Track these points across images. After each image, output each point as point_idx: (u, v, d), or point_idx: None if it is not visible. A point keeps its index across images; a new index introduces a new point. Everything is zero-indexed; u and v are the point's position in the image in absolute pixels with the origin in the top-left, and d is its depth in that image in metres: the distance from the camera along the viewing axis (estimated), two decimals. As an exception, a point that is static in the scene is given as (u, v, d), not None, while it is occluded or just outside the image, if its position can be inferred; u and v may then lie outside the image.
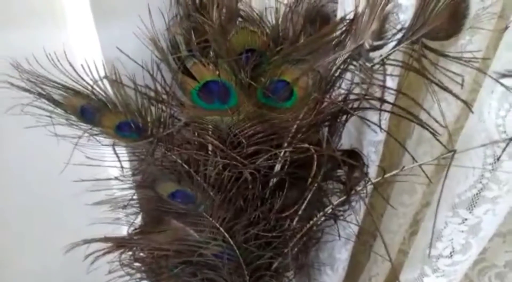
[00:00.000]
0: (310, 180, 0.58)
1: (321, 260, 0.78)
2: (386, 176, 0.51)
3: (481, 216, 0.45)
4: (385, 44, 0.40)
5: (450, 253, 0.50)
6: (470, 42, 0.44)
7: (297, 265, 0.68)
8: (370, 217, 0.65)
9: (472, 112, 0.41)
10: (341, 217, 0.61)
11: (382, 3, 0.37)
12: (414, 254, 0.54)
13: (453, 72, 0.44)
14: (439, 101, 0.47)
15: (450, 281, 0.53)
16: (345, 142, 0.63)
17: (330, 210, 0.63)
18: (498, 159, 0.41)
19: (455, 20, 0.44)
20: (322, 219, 0.64)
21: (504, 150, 0.40)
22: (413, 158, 0.48)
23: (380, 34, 0.39)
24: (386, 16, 0.38)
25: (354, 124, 0.63)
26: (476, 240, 0.48)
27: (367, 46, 0.39)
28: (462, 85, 0.42)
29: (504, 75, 0.38)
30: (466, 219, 0.46)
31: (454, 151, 0.42)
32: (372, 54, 0.46)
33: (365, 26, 0.40)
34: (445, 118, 0.46)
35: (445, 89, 0.44)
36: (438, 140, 0.45)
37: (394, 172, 0.51)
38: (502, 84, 0.37)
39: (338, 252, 0.73)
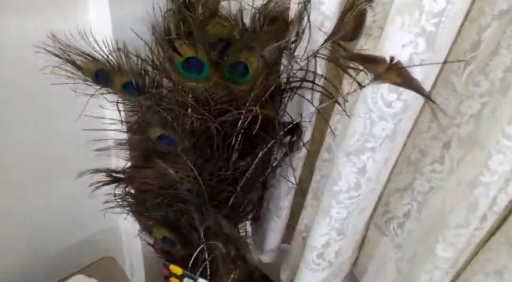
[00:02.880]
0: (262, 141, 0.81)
1: (270, 209, 1.00)
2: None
3: (365, 161, 0.68)
4: (298, 40, 0.61)
5: (347, 189, 0.72)
6: (365, 43, 0.66)
7: (251, 206, 0.90)
8: (304, 172, 0.88)
9: (361, 88, 0.63)
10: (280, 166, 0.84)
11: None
12: (325, 191, 0.76)
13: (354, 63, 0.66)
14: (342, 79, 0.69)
15: (349, 212, 0.76)
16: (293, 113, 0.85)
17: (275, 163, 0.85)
18: (372, 120, 0.63)
19: (357, 28, 0.67)
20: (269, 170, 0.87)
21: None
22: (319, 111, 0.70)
23: (297, 35, 0.61)
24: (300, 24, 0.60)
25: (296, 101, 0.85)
26: (364, 180, 0.70)
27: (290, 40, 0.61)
28: (358, 71, 0.64)
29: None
30: (355, 163, 0.68)
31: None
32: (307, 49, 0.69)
33: (292, 30, 0.62)
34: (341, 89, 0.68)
35: (348, 73, 0.66)
36: (342, 108, 0.67)
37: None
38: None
39: (282, 202, 0.95)
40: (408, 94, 0.61)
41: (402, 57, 0.52)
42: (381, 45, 0.61)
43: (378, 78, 0.44)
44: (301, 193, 1.00)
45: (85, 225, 1.06)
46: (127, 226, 1.11)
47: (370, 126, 0.64)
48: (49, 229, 0.98)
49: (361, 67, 0.59)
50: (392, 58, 0.42)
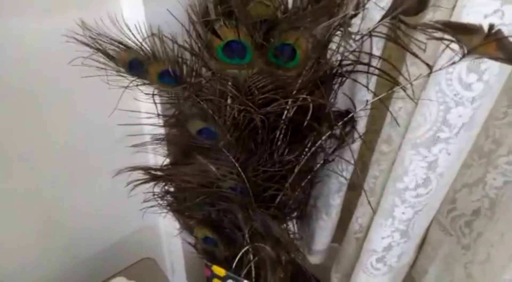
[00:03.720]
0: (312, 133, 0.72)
1: (318, 207, 0.92)
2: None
3: (437, 154, 0.58)
4: (358, 13, 0.52)
5: (415, 186, 0.63)
6: (433, 17, 0.56)
7: (297, 203, 0.83)
8: (357, 167, 0.79)
9: (431, 70, 0.54)
10: (332, 161, 0.75)
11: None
12: (388, 189, 0.67)
13: (420, 41, 0.56)
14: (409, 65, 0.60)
15: (416, 212, 0.66)
16: (342, 102, 0.76)
17: (325, 157, 0.77)
18: (448, 106, 0.53)
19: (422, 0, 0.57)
20: (319, 164, 0.78)
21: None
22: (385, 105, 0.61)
23: (357, 8, 0.52)
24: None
25: (348, 87, 0.76)
26: (435, 175, 0.61)
27: (349, 15, 0.52)
28: (424, 50, 0.55)
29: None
30: (425, 157, 0.59)
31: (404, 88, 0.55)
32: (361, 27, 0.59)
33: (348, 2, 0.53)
34: (410, 76, 0.58)
35: (413, 54, 0.57)
36: (407, 94, 0.58)
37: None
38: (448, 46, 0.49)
39: (332, 199, 0.86)
40: (490, 74, 0.51)
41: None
42: (455, 18, 0.52)
43: (473, 51, 0.35)
44: (352, 187, 0.91)
45: (124, 225, 1.02)
46: (167, 225, 1.06)
47: (445, 113, 0.54)
48: (87, 231, 0.94)
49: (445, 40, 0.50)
50: (491, 27, 0.33)
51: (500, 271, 0.66)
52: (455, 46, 0.49)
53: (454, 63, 0.41)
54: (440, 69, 0.47)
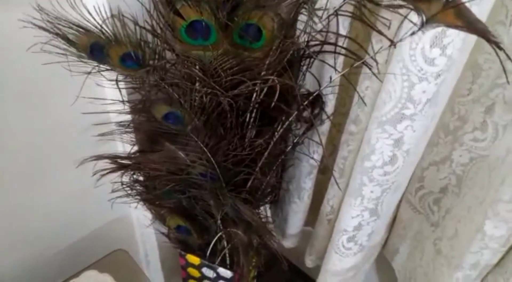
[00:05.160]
0: (281, 116, 0.72)
1: (290, 191, 0.92)
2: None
3: (403, 131, 0.59)
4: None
5: (382, 164, 0.63)
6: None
7: (270, 188, 0.82)
8: (326, 148, 0.79)
9: (395, 47, 0.54)
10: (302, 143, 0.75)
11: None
12: (356, 169, 0.68)
13: (385, 18, 0.56)
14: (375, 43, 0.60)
15: (384, 190, 0.67)
16: (311, 84, 0.76)
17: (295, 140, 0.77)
18: (411, 83, 0.54)
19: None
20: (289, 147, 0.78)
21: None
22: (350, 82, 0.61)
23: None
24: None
25: (316, 69, 0.76)
26: (401, 153, 0.62)
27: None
28: (389, 27, 0.55)
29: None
30: (391, 134, 0.59)
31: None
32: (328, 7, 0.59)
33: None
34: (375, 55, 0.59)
35: (377, 30, 0.57)
36: (372, 71, 0.58)
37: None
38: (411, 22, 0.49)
39: (303, 182, 0.86)
40: (453, 48, 0.51)
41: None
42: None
43: (431, 20, 0.35)
44: (323, 170, 0.92)
45: (93, 216, 0.99)
46: (139, 215, 1.04)
47: (409, 89, 0.55)
48: (56, 224, 0.91)
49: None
50: (448, -7, 0.33)
51: (467, 244, 0.68)
52: (415, 18, 0.49)
53: (413, 33, 0.42)
54: (401, 40, 0.47)
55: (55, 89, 0.77)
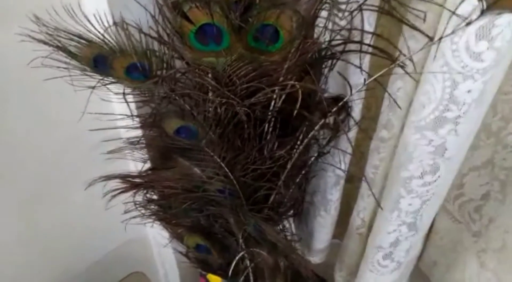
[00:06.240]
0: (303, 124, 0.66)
1: (315, 203, 0.86)
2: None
3: (445, 136, 0.52)
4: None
5: (421, 174, 0.56)
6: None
7: (292, 201, 0.76)
8: (355, 157, 0.72)
9: (432, 41, 0.47)
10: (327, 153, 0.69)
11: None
12: (391, 179, 0.61)
13: (419, 10, 0.50)
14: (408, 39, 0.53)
15: (423, 202, 0.60)
16: (332, 86, 0.70)
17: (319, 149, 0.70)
18: (454, 81, 0.47)
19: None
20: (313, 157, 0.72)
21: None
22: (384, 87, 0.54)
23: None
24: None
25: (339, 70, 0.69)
26: (443, 160, 0.55)
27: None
28: (424, 20, 0.48)
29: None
30: (432, 140, 0.53)
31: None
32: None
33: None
34: (410, 51, 0.52)
35: (411, 26, 0.50)
36: (406, 71, 0.51)
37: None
38: (453, 13, 0.42)
39: (330, 193, 0.80)
40: (503, 40, 0.44)
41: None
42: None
43: (493, 6, 0.28)
44: (349, 179, 0.85)
45: (108, 238, 0.94)
46: (155, 234, 0.99)
47: (451, 89, 0.48)
48: (70, 248, 0.87)
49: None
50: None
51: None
52: (461, 10, 0.42)
53: (470, 23, 0.35)
54: (453, 32, 0.41)
55: (60, 105, 0.73)
